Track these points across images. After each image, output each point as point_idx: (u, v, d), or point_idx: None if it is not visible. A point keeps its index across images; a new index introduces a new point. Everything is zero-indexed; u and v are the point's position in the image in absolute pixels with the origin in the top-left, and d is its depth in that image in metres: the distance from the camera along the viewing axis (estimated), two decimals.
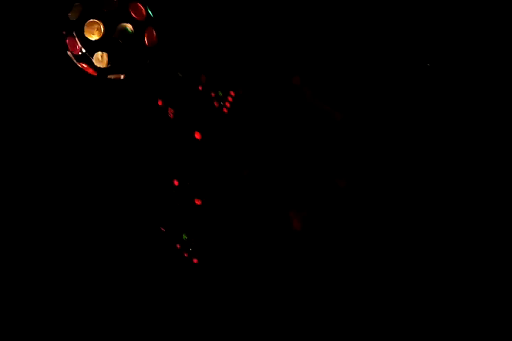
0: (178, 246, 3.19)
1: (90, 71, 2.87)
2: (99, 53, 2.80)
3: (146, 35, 2.87)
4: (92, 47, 2.81)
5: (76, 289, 3.06)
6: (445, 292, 3.09)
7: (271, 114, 3.22)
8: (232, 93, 3.24)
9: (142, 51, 2.88)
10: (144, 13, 2.88)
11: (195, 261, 3.20)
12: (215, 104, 3.22)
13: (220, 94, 3.22)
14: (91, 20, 2.76)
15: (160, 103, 3.15)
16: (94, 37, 2.77)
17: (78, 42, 2.80)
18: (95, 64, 2.82)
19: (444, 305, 3.09)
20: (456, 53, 3.13)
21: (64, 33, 2.82)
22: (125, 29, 2.81)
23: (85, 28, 2.77)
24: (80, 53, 2.83)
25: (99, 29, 2.78)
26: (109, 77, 2.85)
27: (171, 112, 3.16)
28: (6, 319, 2.95)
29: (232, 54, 3.22)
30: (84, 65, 2.86)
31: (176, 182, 3.18)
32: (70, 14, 2.80)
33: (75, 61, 2.86)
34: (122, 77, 2.87)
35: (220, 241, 3.22)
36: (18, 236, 3.02)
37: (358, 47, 3.21)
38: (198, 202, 3.20)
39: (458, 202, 3.11)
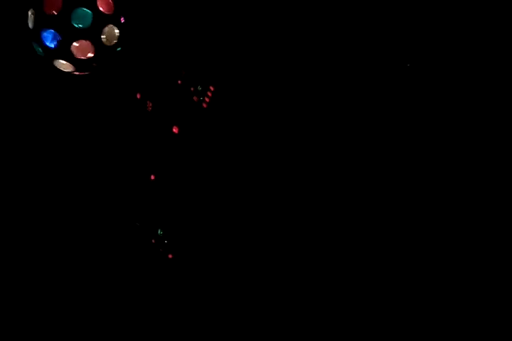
0: (153, 241, 3.16)
1: None
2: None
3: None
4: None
5: (56, 281, 3.05)
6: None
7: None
8: (211, 88, 3.22)
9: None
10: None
11: (170, 256, 3.17)
12: (195, 98, 3.20)
13: (200, 88, 3.20)
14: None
15: (138, 96, 3.13)
16: None
17: None
18: None
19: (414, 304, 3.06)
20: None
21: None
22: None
23: None
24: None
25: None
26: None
27: (149, 106, 3.15)
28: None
29: (213, 50, 3.20)
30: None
31: (152, 177, 3.16)
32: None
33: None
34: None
35: (196, 236, 3.19)
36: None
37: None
38: (174, 196, 3.17)
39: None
